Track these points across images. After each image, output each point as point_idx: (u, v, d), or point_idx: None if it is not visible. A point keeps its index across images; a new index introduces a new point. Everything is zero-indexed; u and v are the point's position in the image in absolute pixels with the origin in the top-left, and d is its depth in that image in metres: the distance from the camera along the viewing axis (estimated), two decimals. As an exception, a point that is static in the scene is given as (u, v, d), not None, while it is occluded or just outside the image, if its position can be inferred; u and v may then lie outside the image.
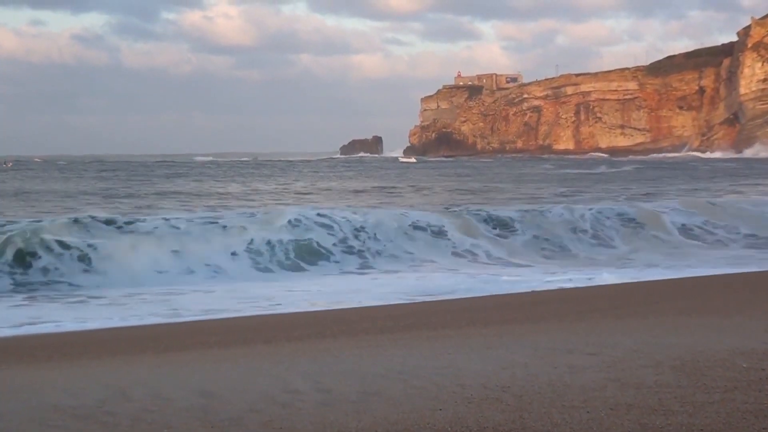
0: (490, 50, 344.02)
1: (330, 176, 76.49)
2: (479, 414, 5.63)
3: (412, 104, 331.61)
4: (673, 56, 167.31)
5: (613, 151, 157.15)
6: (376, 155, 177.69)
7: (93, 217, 21.67)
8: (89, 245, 19.67)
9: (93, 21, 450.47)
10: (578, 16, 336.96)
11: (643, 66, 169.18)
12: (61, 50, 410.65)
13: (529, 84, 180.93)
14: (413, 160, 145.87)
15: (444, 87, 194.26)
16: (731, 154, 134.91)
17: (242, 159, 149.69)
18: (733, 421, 5.35)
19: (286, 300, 15.87)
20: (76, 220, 21.19)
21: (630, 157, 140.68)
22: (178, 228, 21.80)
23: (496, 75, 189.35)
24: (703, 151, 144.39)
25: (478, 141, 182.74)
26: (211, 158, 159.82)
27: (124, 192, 49.98)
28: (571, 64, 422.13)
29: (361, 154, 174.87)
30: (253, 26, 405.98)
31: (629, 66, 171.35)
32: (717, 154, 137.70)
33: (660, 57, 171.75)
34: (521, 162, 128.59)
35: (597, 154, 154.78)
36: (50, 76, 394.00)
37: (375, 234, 23.00)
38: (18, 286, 17.91)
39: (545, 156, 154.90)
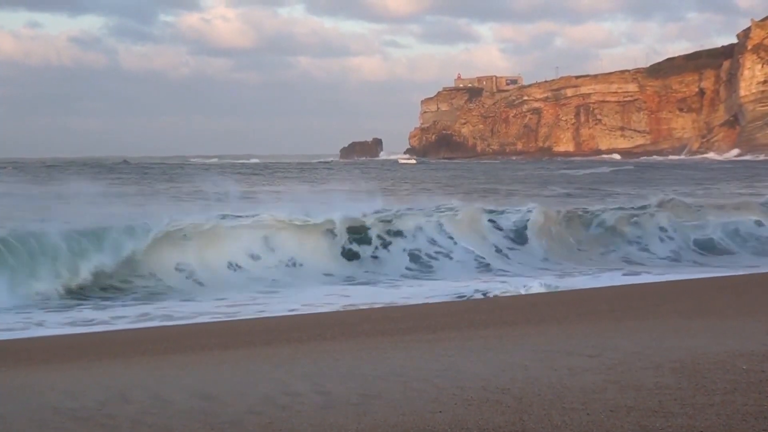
0: (489, 52, 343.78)
1: (341, 178, 75.37)
2: (479, 416, 5.64)
3: (412, 106, 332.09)
4: (673, 58, 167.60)
5: (613, 153, 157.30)
6: (375, 158, 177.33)
7: None
8: None
9: (90, 23, 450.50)
10: (576, 19, 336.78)
11: (643, 68, 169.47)
12: (59, 52, 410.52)
13: (529, 86, 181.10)
14: (413, 161, 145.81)
15: (444, 89, 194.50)
16: (742, 156, 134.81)
17: (251, 160, 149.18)
18: (733, 423, 5.35)
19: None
20: None
21: (637, 158, 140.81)
22: None
23: (496, 77, 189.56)
24: (718, 153, 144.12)
25: (478, 143, 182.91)
26: (215, 160, 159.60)
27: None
28: (570, 67, 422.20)
29: (364, 158, 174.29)
30: (251, 28, 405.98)
31: (629, 68, 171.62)
32: (725, 155, 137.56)
33: (659, 59, 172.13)
34: (522, 163, 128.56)
35: (611, 156, 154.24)
36: (49, 78, 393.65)
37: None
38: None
39: (545, 158, 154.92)
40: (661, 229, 25.31)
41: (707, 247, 24.72)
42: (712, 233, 25.30)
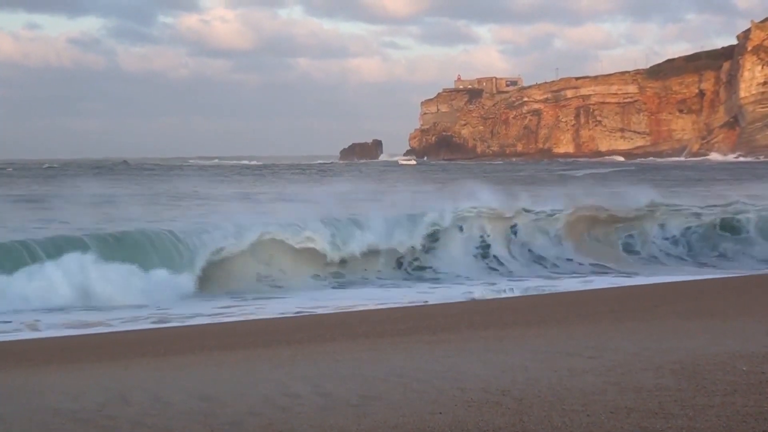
0: (488, 54, 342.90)
1: (354, 180, 73.84)
2: (479, 417, 5.64)
3: (412, 108, 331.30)
4: (673, 60, 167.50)
5: (613, 155, 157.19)
6: (375, 159, 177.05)
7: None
8: None
9: (90, 25, 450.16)
10: (575, 20, 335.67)
11: (643, 69, 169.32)
12: (59, 54, 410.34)
13: (529, 87, 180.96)
14: (413, 162, 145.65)
15: (444, 90, 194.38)
16: (742, 158, 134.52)
17: (251, 162, 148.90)
18: (733, 425, 5.35)
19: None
20: None
21: (634, 160, 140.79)
22: None
23: (496, 78, 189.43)
24: (720, 153, 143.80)
25: (478, 144, 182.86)
26: (216, 161, 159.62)
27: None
28: (570, 68, 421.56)
29: (364, 160, 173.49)
30: (250, 30, 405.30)
31: (629, 69, 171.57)
32: (730, 157, 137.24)
33: (659, 60, 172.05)
34: (522, 164, 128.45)
35: (613, 157, 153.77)
36: (49, 79, 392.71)
37: None
38: None
39: (545, 160, 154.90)
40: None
41: (730, 228, 24.51)
42: (743, 214, 24.95)
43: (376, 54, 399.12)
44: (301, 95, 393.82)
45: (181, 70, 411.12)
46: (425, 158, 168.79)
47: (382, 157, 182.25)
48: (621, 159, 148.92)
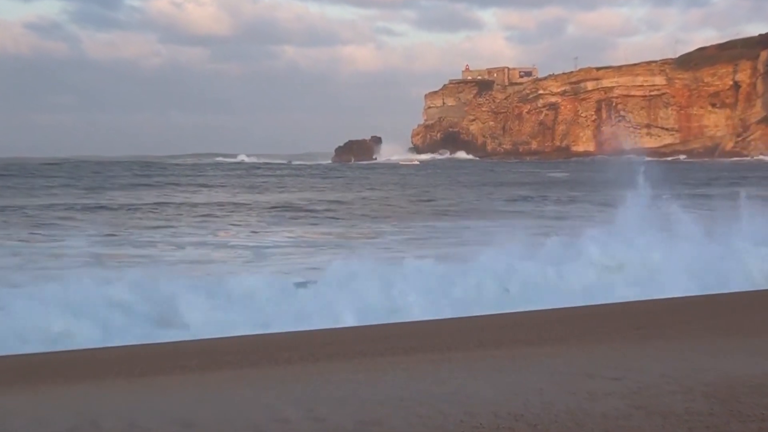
0: (494, 41, 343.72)
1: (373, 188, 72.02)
2: (490, 446, 5.64)
3: (411, 101, 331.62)
4: (705, 48, 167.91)
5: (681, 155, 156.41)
6: (374, 160, 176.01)
7: None
8: None
9: (48, 8, 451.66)
10: (588, 4, 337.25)
11: (672, 59, 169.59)
12: (16, 40, 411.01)
13: (545, 78, 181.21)
14: (416, 162, 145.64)
15: (450, 82, 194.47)
16: None
17: (239, 159, 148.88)
18: (771, 454, 5.36)
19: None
20: None
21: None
22: None
23: (508, 68, 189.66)
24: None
25: (489, 141, 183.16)
26: (211, 160, 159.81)
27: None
28: (585, 57, 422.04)
29: (364, 161, 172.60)
30: (228, 14, 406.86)
31: (652, 58, 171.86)
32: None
33: (685, 48, 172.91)
34: (537, 165, 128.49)
35: (678, 157, 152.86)
36: (6, 69, 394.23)
37: None
38: None
39: (571, 159, 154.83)
40: None
41: None
42: None
43: (370, 41, 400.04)
44: (289, 86, 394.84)
45: (153, 58, 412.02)
46: (447, 154, 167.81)
47: (384, 155, 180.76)
48: (683, 157, 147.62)
